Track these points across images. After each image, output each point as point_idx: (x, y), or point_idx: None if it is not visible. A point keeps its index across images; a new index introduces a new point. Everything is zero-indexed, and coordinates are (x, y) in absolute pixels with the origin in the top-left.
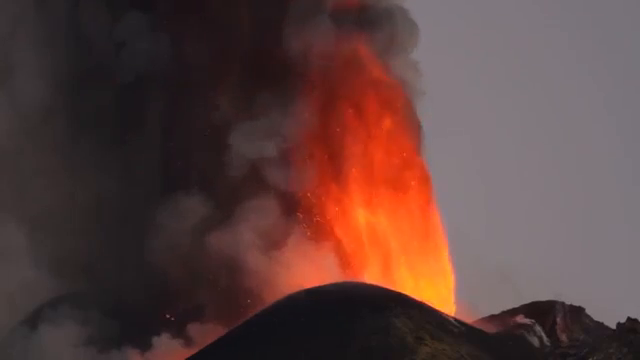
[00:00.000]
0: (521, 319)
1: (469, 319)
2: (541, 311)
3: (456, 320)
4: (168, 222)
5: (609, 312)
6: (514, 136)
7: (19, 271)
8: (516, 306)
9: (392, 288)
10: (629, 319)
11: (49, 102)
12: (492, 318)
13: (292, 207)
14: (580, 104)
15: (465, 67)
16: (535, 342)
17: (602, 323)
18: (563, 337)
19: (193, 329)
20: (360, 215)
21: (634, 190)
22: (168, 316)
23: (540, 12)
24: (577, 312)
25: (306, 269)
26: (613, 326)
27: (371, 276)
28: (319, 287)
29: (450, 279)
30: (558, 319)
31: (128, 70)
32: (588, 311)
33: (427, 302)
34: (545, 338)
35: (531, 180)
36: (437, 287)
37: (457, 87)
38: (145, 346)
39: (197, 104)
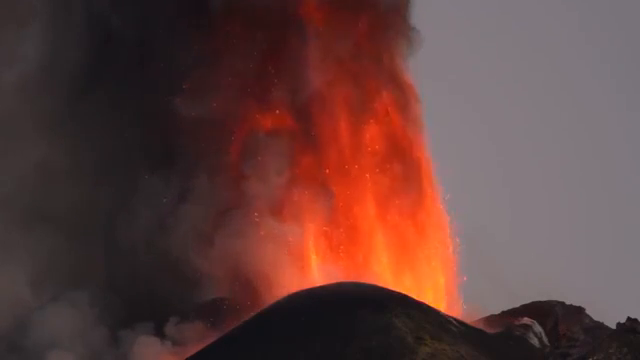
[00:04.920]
0: (521, 319)
1: (469, 319)
2: (541, 311)
3: (456, 320)
4: (137, 206)
5: (609, 312)
6: (515, 134)
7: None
8: (516, 306)
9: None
10: (629, 319)
11: (48, 63)
12: (492, 318)
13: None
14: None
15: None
16: (535, 342)
17: (602, 323)
18: (563, 337)
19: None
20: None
21: (634, 189)
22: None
23: None
24: (577, 312)
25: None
26: (613, 326)
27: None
28: (319, 287)
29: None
30: (558, 319)
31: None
32: (588, 311)
33: (427, 302)
34: (545, 338)
35: (531, 179)
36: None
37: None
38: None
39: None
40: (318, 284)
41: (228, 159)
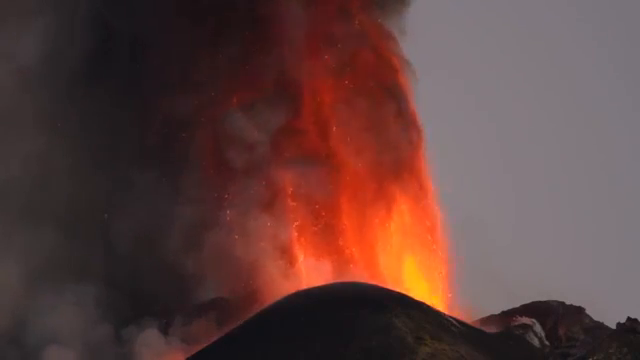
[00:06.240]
0: (521, 319)
1: (469, 319)
2: (541, 311)
3: (456, 320)
4: (130, 201)
5: (609, 312)
6: (516, 131)
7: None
8: (516, 306)
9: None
10: (629, 319)
11: (48, 56)
12: (492, 318)
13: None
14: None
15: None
16: (535, 342)
17: (602, 323)
18: (563, 337)
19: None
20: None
21: (635, 189)
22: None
23: None
24: (577, 312)
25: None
26: (613, 326)
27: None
28: (319, 287)
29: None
30: (558, 319)
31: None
32: (588, 311)
33: (427, 302)
34: (545, 338)
35: (531, 178)
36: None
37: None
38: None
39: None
40: (306, 279)
41: (216, 153)
